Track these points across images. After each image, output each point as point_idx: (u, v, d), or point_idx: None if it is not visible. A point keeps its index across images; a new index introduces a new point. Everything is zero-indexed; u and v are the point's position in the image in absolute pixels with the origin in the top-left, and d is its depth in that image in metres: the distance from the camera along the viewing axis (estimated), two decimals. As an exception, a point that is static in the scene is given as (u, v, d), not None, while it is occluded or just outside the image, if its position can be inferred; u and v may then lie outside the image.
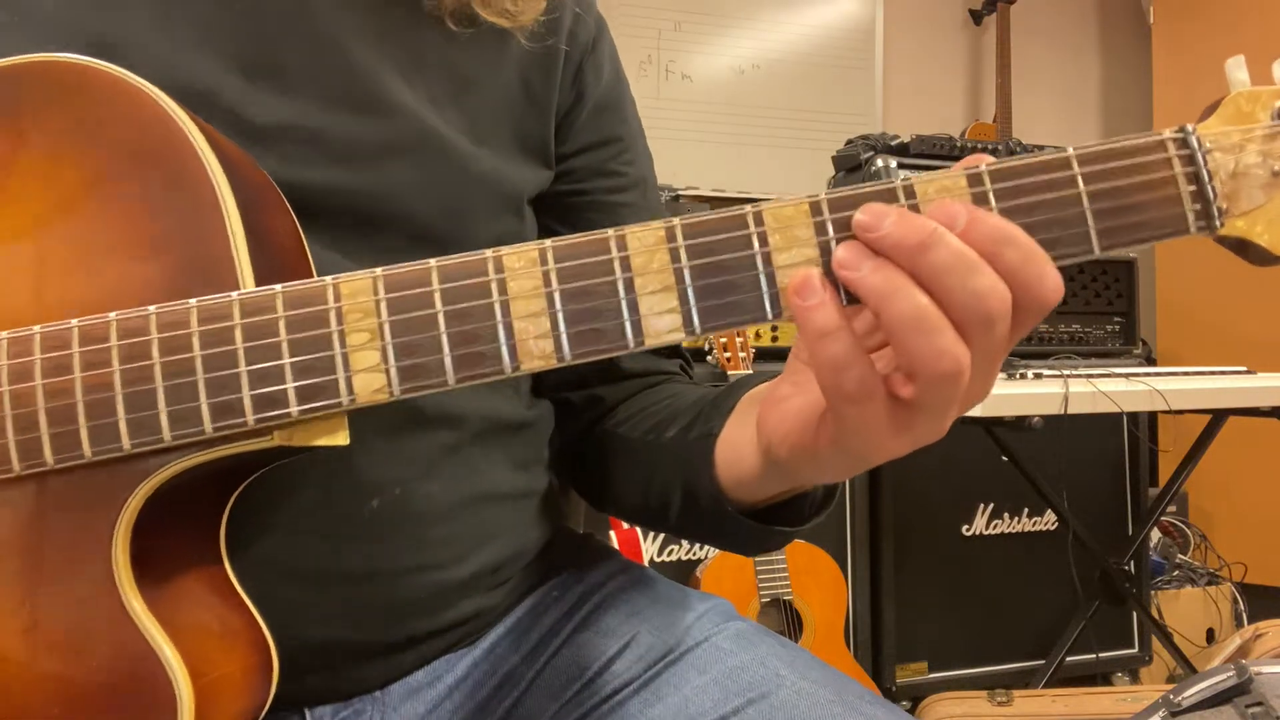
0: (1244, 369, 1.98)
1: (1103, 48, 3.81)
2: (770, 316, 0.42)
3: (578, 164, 0.71)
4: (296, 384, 0.43)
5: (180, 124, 0.47)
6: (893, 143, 2.06)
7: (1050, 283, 0.40)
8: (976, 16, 3.59)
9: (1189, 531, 2.63)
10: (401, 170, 0.60)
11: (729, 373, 1.75)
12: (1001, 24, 3.45)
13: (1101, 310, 2.18)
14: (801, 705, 0.57)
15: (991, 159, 0.43)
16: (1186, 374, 1.89)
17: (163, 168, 0.47)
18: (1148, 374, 1.79)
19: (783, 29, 3.29)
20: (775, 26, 3.28)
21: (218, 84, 0.56)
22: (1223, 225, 0.43)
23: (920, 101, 3.51)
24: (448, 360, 0.43)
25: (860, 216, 0.41)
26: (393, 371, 0.43)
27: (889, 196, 0.42)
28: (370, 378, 0.43)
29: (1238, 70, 0.45)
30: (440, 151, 0.62)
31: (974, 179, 0.42)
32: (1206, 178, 0.42)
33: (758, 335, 1.94)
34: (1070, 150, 0.42)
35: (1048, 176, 0.42)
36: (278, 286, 0.44)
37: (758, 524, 0.56)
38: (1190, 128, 0.43)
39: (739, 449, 0.54)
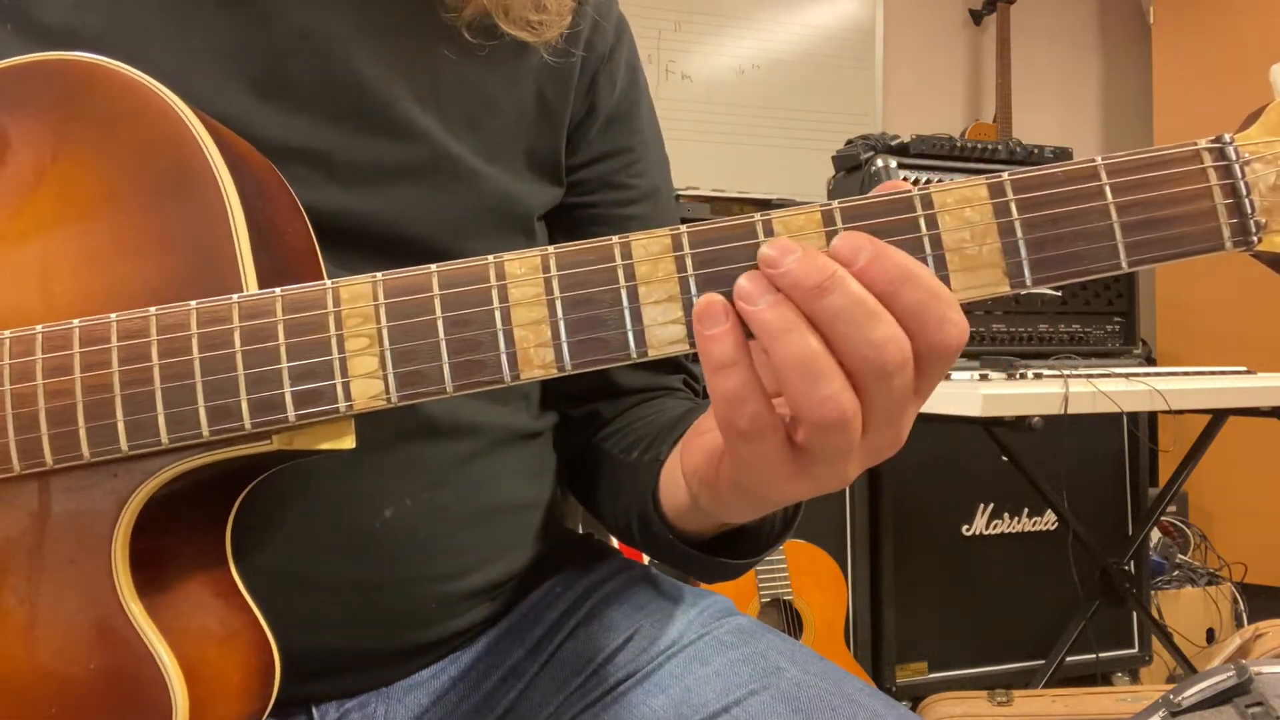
0: (1244, 369, 1.98)
1: (1103, 48, 3.81)
2: None
3: (586, 176, 0.70)
4: (294, 389, 0.43)
5: (188, 124, 0.47)
6: (893, 143, 2.05)
7: (952, 328, 0.39)
8: (976, 16, 3.59)
9: (1189, 531, 2.63)
10: (412, 192, 0.60)
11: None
12: (1001, 24, 3.45)
13: (1101, 310, 2.18)
14: (801, 697, 0.57)
15: (909, 186, 0.41)
16: (1186, 374, 1.89)
17: (169, 167, 0.47)
18: (1148, 374, 1.79)
19: (783, 29, 3.28)
20: (775, 26, 3.27)
21: (229, 103, 0.55)
22: (1260, 240, 0.40)
23: (920, 101, 3.51)
24: (446, 367, 0.42)
25: (765, 250, 0.39)
26: (391, 378, 0.42)
27: (905, 207, 0.41)
28: (368, 384, 0.43)
29: None
30: (452, 173, 0.61)
31: (995, 189, 0.41)
32: (1244, 190, 0.40)
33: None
34: (1098, 160, 0.40)
35: (1074, 187, 0.40)
36: (277, 290, 0.44)
37: (702, 554, 0.56)
38: (1228, 137, 0.41)
39: (678, 479, 0.53)
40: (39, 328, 0.45)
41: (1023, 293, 0.41)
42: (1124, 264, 0.40)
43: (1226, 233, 0.40)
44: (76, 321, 0.44)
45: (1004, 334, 2.08)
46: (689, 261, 0.42)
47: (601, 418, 0.71)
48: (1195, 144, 0.41)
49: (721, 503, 0.47)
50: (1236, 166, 0.41)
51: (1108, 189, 0.40)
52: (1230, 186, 0.40)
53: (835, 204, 0.41)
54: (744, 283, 0.39)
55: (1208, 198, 0.40)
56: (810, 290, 0.38)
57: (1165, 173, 0.41)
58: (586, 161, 0.69)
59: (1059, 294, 2.11)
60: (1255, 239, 0.41)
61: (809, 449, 0.40)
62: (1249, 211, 0.40)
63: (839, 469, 0.41)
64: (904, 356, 0.38)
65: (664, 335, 0.42)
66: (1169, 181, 0.41)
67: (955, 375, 1.82)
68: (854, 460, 0.41)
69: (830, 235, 0.41)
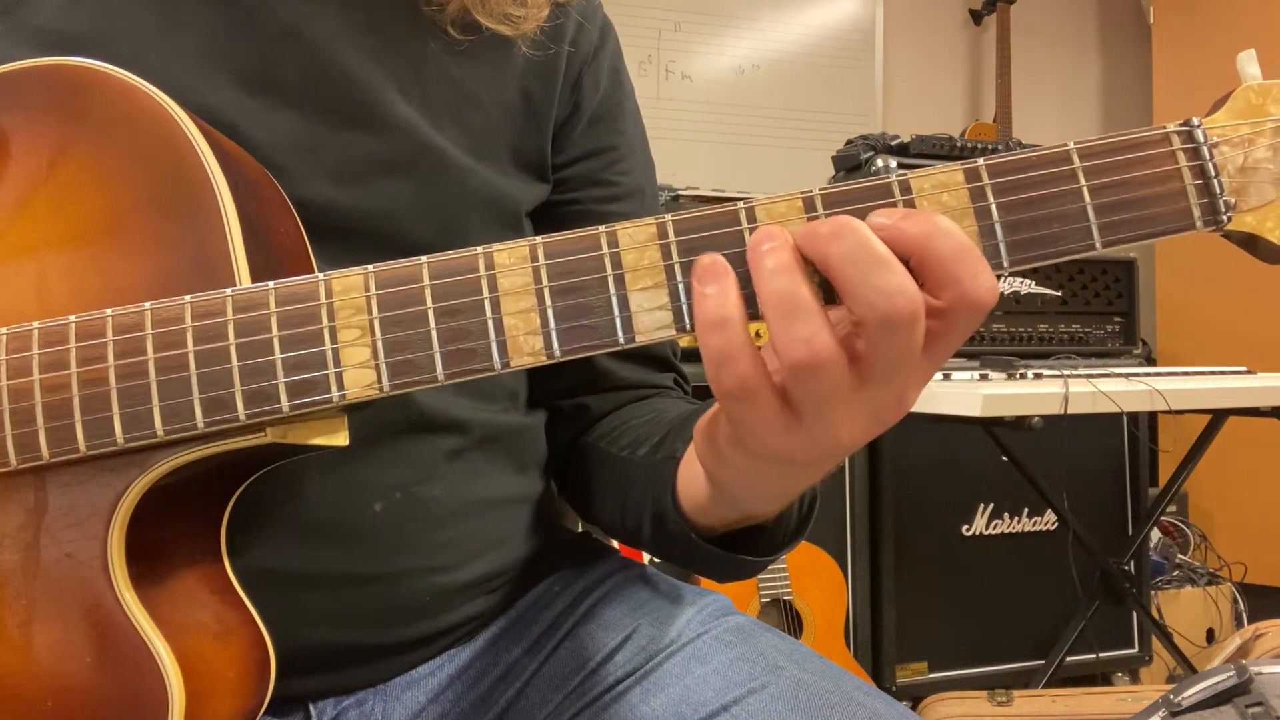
0: (1244, 369, 1.98)
1: (1103, 48, 3.81)
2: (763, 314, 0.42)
3: (571, 173, 0.70)
4: (287, 380, 0.43)
5: (182, 126, 0.47)
6: (893, 143, 2.06)
7: (985, 281, 0.38)
8: (976, 16, 3.59)
9: (1189, 531, 2.63)
10: (399, 187, 0.60)
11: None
12: (1001, 24, 3.45)
13: (1101, 310, 2.18)
14: (800, 696, 0.57)
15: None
16: (1186, 374, 1.89)
17: (164, 169, 0.47)
18: (1148, 374, 1.79)
19: (783, 29, 3.29)
20: (775, 26, 3.28)
21: (217, 99, 0.56)
22: (1230, 220, 0.42)
23: (920, 101, 3.51)
24: (437, 356, 0.43)
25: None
26: (383, 368, 0.43)
27: (884, 192, 0.41)
28: (360, 374, 0.43)
29: (1250, 64, 0.44)
30: (439, 167, 0.61)
31: (971, 174, 0.42)
32: (1213, 171, 0.42)
33: (758, 335, 1.94)
34: (1071, 144, 0.42)
35: (1047, 171, 0.41)
36: (270, 283, 0.44)
37: (722, 551, 0.55)
38: (1195, 121, 0.42)
39: (695, 472, 0.53)
40: (35, 324, 0.45)
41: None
42: (1098, 244, 0.41)
43: (1197, 213, 0.42)
44: (72, 317, 0.45)
45: (1004, 334, 2.08)
46: (674, 249, 0.42)
47: (590, 413, 0.72)
48: (1164, 128, 0.42)
49: (725, 465, 0.46)
50: (1205, 149, 0.42)
51: (1080, 172, 0.42)
52: (1199, 168, 0.42)
53: (816, 191, 0.42)
54: (759, 233, 0.40)
55: (1178, 179, 0.42)
56: (823, 237, 0.39)
57: (1136, 155, 0.42)
58: (572, 160, 0.70)
59: (1059, 293, 2.11)
60: (1225, 219, 0.42)
61: (793, 398, 0.40)
62: (1218, 192, 0.42)
63: (829, 424, 0.40)
64: (913, 308, 0.38)
65: (651, 321, 0.42)
66: (1140, 164, 0.42)
67: (955, 375, 1.82)
68: (843, 414, 0.40)
69: (813, 221, 0.41)
